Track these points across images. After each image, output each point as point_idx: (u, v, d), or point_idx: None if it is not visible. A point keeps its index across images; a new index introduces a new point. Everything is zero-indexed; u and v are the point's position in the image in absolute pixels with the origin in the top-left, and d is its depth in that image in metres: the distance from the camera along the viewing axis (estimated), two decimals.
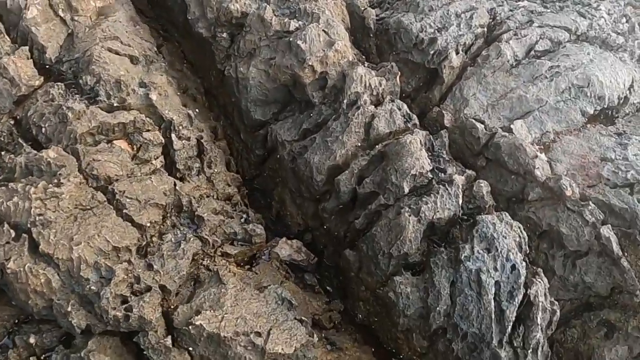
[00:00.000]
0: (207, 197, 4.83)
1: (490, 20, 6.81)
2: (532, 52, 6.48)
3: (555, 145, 5.84)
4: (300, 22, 5.39)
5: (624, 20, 7.72)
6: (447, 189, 4.86)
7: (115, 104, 4.62)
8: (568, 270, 5.19)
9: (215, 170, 5.06)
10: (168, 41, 6.02)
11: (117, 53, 4.91)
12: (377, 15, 6.55)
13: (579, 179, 5.56)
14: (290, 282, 4.93)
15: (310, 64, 5.18)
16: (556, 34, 6.70)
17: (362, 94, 5.26)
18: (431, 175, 4.99)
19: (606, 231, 5.06)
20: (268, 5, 5.41)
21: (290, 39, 5.23)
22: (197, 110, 5.50)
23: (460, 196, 4.90)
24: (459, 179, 4.98)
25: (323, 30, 5.34)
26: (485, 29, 6.56)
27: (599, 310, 5.25)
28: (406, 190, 4.86)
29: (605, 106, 6.19)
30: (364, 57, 6.16)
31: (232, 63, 5.44)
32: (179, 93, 5.30)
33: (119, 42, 5.03)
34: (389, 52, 6.18)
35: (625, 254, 5.20)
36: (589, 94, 6.08)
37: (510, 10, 7.18)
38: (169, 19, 6.21)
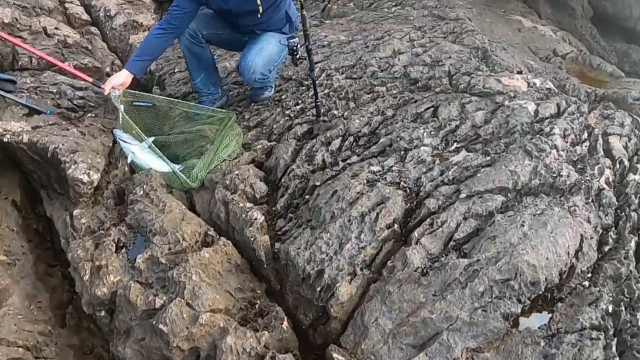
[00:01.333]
0: None
1: (407, 204, 6.22)
2: (452, 243, 5.78)
3: None
4: (165, 297, 5.36)
5: (585, 135, 6.70)
6: None
7: None
8: None
9: None
10: None
11: None
12: (280, 228, 6.31)
13: None
14: None
15: (175, 345, 5.13)
16: (485, 205, 5.93)
17: None
18: None
19: None
20: (133, 283, 5.42)
21: (154, 322, 5.24)
22: None
23: None
24: None
25: (187, 303, 5.25)
26: (397, 226, 5.99)
27: None
28: None
29: (542, 290, 5.34)
30: (264, 284, 5.98)
31: (114, 340, 5.56)
32: None
33: (5, 345, 5.38)
34: (286, 280, 5.89)
35: None
36: (516, 287, 5.26)
37: (441, 174, 6.51)
38: None
